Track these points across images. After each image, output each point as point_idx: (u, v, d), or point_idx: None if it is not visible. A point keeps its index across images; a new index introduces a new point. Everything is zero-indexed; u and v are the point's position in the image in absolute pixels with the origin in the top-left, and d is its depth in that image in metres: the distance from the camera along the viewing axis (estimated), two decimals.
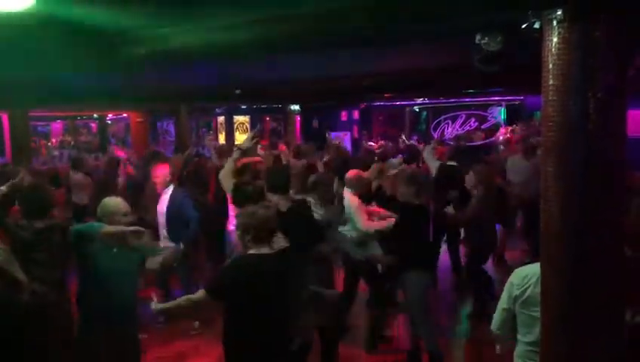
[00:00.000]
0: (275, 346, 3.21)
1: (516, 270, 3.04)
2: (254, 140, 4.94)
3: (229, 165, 4.46)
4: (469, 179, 6.37)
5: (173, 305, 3.40)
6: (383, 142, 13.58)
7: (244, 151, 4.66)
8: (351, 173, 5.63)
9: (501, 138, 14.13)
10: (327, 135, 10.37)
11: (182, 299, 3.38)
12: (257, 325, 3.13)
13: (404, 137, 10.80)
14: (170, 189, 5.92)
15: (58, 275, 3.85)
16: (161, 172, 6.02)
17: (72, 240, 3.74)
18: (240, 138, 18.80)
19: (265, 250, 3.21)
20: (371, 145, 9.93)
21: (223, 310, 3.23)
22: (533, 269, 2.89)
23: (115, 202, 3.89)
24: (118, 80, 6.99)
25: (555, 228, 2.65)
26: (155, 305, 3.35)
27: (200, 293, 3.21)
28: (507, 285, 3.01)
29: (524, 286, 2.90)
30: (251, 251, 3.22)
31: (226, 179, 4.38)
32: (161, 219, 5.87)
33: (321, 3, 3.06)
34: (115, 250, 3.69)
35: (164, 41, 3.96)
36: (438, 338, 5.10)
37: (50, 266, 3.76)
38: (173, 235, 5.77)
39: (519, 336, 3.00)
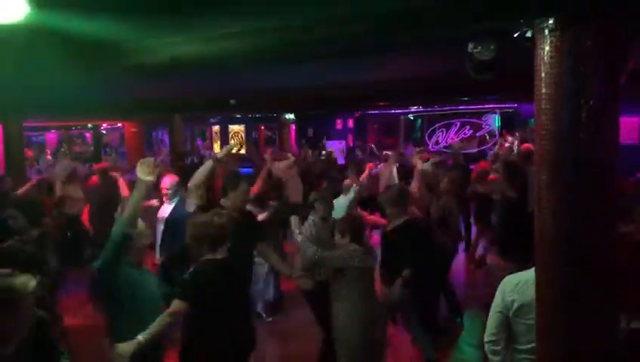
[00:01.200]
0: (236, 342, 3.40)
1: (507, 277, 3.03)
2: (229, 150, 4.95)
3: (201, 173, 4.39)
4: (442, 184, 6.31)
5: (155, 329, 3.15)
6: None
7: (219, 160, 4.59)
8: (347, 181, 5.70)
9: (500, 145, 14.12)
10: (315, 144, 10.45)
11: (161, 319, 3.20)
12: (216, 323, 3.30)
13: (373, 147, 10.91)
14: (176, 200, 5.65)
15: (51, 279, 3.81)
16: (170, 181, 5.71)
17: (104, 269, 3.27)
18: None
19: (219, 256, 3.38)
20: (387, 154, 9.88)
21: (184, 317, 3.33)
22: (525, 277, 2.89)
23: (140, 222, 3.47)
24: (112, 90, 6.99)
25: (548, 234, 2.66)
26: (136, 343, 3.04)
27: (176, 304, 3.21)
28: (498, 291, 3.00)
29: (516, 294, 2.90)
30: (207, 257, 3.37)
31: (197, 188, 4.34)
32: (160, 227, 5.75)
33: (316, 14, 3.07)
34: (140, 271, 3.39)
35: (159, 52, 3.97)
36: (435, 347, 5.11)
37: (45, 270, 3.76)
38: (163, 246, 5.70)
39: (516, 345, 2.98)
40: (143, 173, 3.25)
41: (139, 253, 3.40)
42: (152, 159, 3.40)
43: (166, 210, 5.70)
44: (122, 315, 3.28)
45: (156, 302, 3.38)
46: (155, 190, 5.79)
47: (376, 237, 6.13)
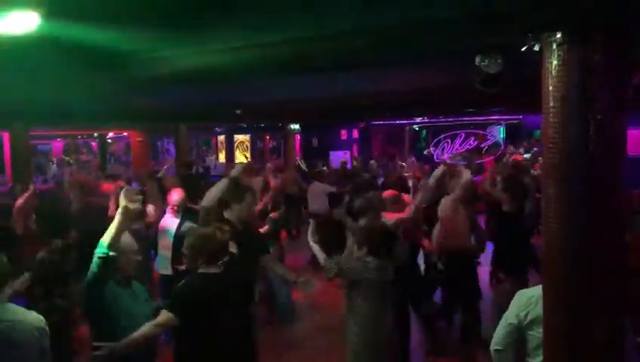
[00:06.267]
0: (232, 356, 3.34)
1: (521, 291, 3.04)
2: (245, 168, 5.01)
3: (215, 192, 4.26)
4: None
5: (137, 337, 3.08)
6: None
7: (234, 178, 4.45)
8: (388, 193, 5.33)
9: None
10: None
11: (146, 328, 3.14)
12: (209, 338, 3.25)
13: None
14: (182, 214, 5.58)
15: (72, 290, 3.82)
16: (178, 196, 5.68)
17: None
18: (240, 157, 18.86)
19: (213, 270, 3.33)
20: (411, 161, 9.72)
21: (175, 329, 3.29)
22: (539, 291, 2.89)
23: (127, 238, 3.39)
24: (119, 100, 7.02)
25: (556, 247, 2.66)
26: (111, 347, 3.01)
27: (164, 316, 3.16)
28: (513, 303, 3.01)
29: (529, 307, 2.91)
30: (201, 271, 3.33)
31: (212, 200, 4.21)
32: (167, 241, 5.71)
33: (322, 27, 3.09)
34: (127, 288, 3.33)
35: (167, 63, 4.00)
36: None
37: (69, 282, 3.77)
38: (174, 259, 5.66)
39: (529, 359, 2.99)
40: (127, 200, 3.10)
41: (126, 269, 3.31)
42: (136, 188, 3.36)
43: (171, 222, 5.67)
44: (108, 332, 3.16)
45: (139, 319, 3.23)
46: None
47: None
